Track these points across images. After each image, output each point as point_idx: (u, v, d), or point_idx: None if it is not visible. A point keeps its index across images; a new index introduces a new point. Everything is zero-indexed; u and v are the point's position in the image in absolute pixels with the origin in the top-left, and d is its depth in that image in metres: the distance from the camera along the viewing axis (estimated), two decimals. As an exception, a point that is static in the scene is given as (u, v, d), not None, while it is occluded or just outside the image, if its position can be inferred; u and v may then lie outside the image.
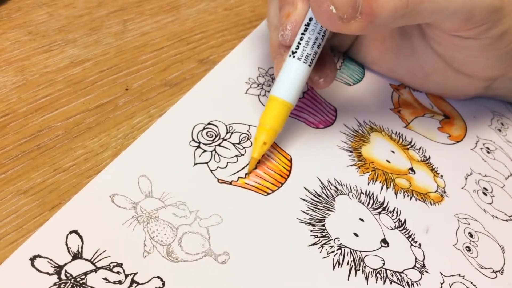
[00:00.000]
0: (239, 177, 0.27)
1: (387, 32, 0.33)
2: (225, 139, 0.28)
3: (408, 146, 0.32)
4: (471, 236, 0.28)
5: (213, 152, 0.27)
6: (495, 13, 0.26)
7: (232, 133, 0.29)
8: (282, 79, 0.27)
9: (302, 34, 0.27)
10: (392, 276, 0.25)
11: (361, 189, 0.28)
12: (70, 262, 0.21)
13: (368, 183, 0.29)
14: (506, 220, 0.30)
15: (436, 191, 0.30)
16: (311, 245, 0.25)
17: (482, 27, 0.26)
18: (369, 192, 0.28)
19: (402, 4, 0.23)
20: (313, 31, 0.27)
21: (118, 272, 0.21)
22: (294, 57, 0.27)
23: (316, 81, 0.29)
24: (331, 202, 0.27)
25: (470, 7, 0.25)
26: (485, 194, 0.31)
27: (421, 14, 0.25)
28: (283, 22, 0.27)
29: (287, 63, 0.27)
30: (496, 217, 0.30)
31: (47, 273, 0.20)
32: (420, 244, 0.27)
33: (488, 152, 0.34)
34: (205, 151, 0.27)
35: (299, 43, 0.27)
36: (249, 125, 0.29)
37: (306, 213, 0.26)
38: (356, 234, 0.26)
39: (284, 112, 0.27)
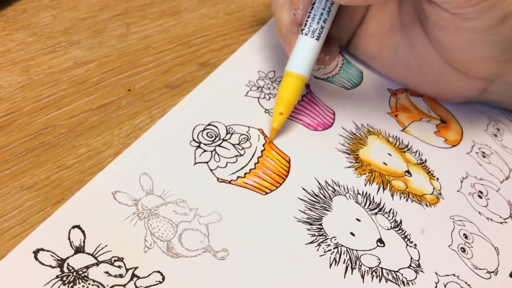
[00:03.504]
0: (238, 177, 0.27)
1: (386, 27, 0.34)
2: (225, 140, 0.29)
3: (405, 149, 0.32)
4: (466, 237, 0.29)
5: (213, 152, 0.28)
6: None
7: (232, 134, 0.29)
8: (294, 55, 0.29)
9: (309, 12, 0.29)
10: (388, 274, 0.25)
11: (358, 190, 0.29)
12: (72, 255, 0.22)
13: (365, 185, 0.29)
14: (501, 223, 0.30)
15: (432, 193, 0.30)
16: (308, 243, 0.25)
17: (485, 3, 0.26)
18: (366, 193, 0.29)
19: None
20: (317, 8, 0.29)
21: (119, 266, 0.22)
22: (302, 33, 0.29)
23: (322, 58, 0.31)
24: (329, 202, 0.27)
25: None
26: (480, 197, 0.31)
27: None
28: (296, 2, 0.30)
29: (298, 39, 0.29)
30: (491, 219, 0.30)
31: (50, 266, 0.21)
32: (415, 244, 0.27)
33: (484, 157, 0.34)
34: (205, 151, 0.28)
35: (306, 20, 0.29)
36: (248, 127, 0.30)
37: (304, 212, 0.26)
38: (352, 234, 0.26)
39: (298, 85, 0.29)
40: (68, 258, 0.21)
